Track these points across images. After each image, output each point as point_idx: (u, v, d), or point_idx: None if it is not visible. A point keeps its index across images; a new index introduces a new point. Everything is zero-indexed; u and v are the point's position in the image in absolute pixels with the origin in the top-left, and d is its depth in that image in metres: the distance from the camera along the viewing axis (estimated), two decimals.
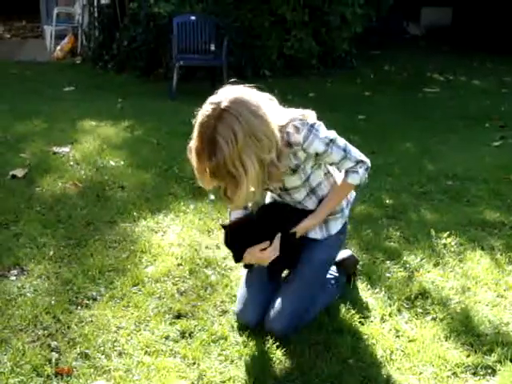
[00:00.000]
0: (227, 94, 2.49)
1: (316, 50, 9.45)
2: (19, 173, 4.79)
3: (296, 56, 9.30)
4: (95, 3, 10.17)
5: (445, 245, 3.77)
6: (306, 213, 2.88)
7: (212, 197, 4.38)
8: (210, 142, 2.41)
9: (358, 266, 3.35)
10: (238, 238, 2.78)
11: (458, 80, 9.84)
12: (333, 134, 2.72)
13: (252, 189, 2.55)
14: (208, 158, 2.44)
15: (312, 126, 2.63)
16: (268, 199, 3.08)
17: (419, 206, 4.42)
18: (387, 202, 4.47)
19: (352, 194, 3.07)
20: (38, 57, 10.75)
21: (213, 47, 8.41)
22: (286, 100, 2.86)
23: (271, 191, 2.95)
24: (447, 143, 6.18)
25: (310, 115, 2.68)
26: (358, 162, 2.78)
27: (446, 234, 3.87)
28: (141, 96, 8.02)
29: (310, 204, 2.89)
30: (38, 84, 8.70)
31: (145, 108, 7.35)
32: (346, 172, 2.81)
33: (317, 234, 2.94)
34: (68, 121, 6.55)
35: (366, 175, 2.85)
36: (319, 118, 2.72)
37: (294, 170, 2.73)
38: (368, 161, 2.83)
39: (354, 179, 2.81)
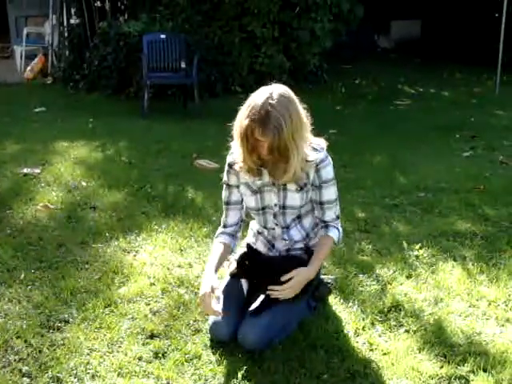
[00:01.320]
0: (277, 86, 2.73)
1: (286, 65, 9.49)
2: None
3: (267, 72, 9.33)
4: (65, 23, 10.14)
5: (417, 256, 3.79)
6: (295, 261, 2.92)
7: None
8: (269, 119, 2.60)
9: (330, 281, 3.35)
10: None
11: (429, 92, 9.96)
12: None
13: (298, 167, 2.74)
14: (269, 133, 2.61)
15: (327, 154, 2.89)
16: (255, 227, 3.16)
17: (391, 218, 4.45)
18: (359, 215, 4.49)
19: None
20: (8, 78, 10.64)
21: (183, 65, 8.40)
22: None
23: (269, 209, 3.00)
24: (418, 155, 6.23)
25: (324, 144, 2.91)
26: (338, 217, 2.97)
27: (418, 246, 3.90)
28: (112, 115, 7.98)
29: (295, 233, 2.99)
30: (8, 105, 8.62)
31: (116, 127, 7.32)
32: (327, 226, 2.95)
33: None
34: (39, 142, 6.51)
35: (341, 239, 3.04)
36: None
37: (301, 188, 2.88)
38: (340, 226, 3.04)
39: (335, 234, 2.95)
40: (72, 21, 10.03)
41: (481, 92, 9.83)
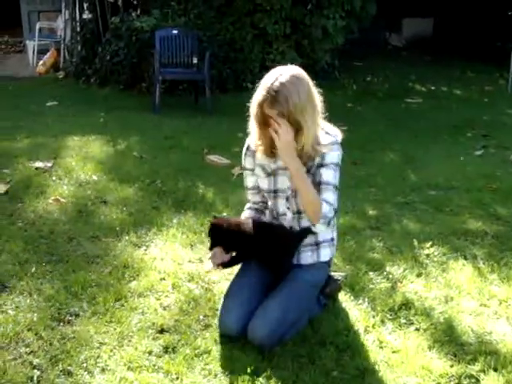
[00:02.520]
0: (290, 67, 2.81)
1: (298, 62, 9.44)
2: (1, 189, 4.76)
3: None
4: (77, 18, 10.16)
5: (428, 255, 3.78)
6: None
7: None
8: (278, 94, 2.68)
9: (341, 278, 3.35)
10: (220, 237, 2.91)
11: (440, 90, 9.91)
12: None
13: (309, 146, 2.79)
14: (277, 105, 2.69)
15: (338, 141, 2.91)
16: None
17: (402, 216, 4.44)
18: (370, 213, 4.49)
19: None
20: (20, 72, 10.70)
21: (195, 60, 8.40)
22: None
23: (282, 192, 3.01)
24: (430, 153, 6.21)
25: (339, 133, 2.95)
26: (334, 208, 2.89)
27: (428, 244, 3.89)
28: (124, 110, 7.99)
29: (306, 223, 2.96)
30: (20, 99, 8.65)
31: (128, 122, 7.33)
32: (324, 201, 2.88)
33: (308, 259, 3.03)
34: (51, 136, 6.53)
35: (324, 227, 2.93)
36: None
37: (308, 171, 2.87)
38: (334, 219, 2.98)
39: (325, 208, 2.85)
40: (84, 16, 10.04)
41: (492, 90, 9.78)
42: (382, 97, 9.27)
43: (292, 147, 2.77)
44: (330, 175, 2.86)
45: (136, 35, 8.86)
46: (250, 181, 3.11)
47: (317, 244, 3.02)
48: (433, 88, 10.01)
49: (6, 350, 2.78)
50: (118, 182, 5.03)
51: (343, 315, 3.09)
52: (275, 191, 3.01)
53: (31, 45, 11.35)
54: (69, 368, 2.65)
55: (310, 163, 2.87)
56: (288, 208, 3.00)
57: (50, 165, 5.43)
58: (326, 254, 3.06)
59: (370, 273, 3.53)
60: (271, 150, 2.89)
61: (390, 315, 3.11)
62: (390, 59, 12.39)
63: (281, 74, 2.72)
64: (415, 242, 3.92)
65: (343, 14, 9.60)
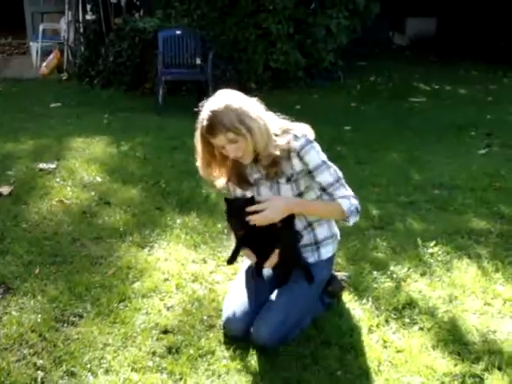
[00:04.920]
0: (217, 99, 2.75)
1: (302, 62, 9.46)
2: (5, 190, 4.77)
3: (282, 68, 9.31)
4: (80, 19, 10.16)
5: (432, 254, 3.78)
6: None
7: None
8: (213, 122, 2.67)
9: (344, 277, 3.35)
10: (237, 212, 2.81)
11: (444, 89, 9.88)
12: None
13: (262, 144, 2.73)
14: (216, 131, 2.68)
15: (310, 140, 2.80)
16: None
17: (406, 215, 4.43)
18: (374, 212, 4.47)
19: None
20: (24, 74, 10.69)
21: (198, 61, 8.41)
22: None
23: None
24: (434, 152, 6.19)
25: (309, 131, 2.85)
26: (351, 196, 2.87)
27: (432, 243, 3.89)
28: (127, 111, 8.00)
29: (298, 223, 2.94)
30: (24, 101, 8.65)
31: (131, 123, 7.34)
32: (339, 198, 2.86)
33: (309, 259, 3.01)
34: (54, 137, 6.53)
35: (357, 217, 2.91)
36: None
37: (289, 179, 2.83)
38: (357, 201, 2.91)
39: (344, 203, 2.83)
40: (87, 17, 10.02)
41: (496, 89, 9.75)
42: (386, 96, 9.24)
43: (276, 212, 2.76)
44: (325, 175, 2.82)
45: (139, 36, 8.88)
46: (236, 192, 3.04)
47: (316, 243, 3.01)
48: (437, 87, 9.98)
49: (10, 351, 2.78)
50: (122, 183, 5.03)
51: (347, 315, 3.09)
52: None
53: (34, 46, 11.32)
54: (73, 369, 2.66)
55: (289, 172, 2.82)
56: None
57: (53, 166, 5.44)
58: (327, 251, 3.05)
59: (374, 272, 3.53)
60: (243, 178, 2.92)
61: (394, 314, 3.11)
62: (393, 59, 12.35)
63: (207, 107, 2.72)
64: (419, 241, 3.92)
65: (347, 14, 9.58)
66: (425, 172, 5.50)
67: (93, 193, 4.81)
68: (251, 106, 2.74)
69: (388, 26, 13.77)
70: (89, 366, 2.68)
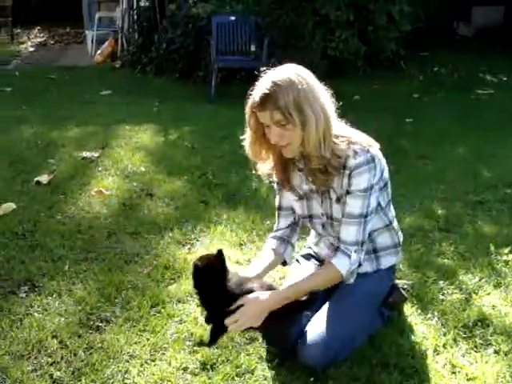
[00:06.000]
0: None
1: (362, 50, 9.04)
2: (44, 179, 4.55)
3: (341, 57, 8.90)
4: (135, 6, 9.99)
5: (506, 262, 3.35)
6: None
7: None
8: (271, 92, 2.31)
9: (406, 287, 2.95)
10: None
11: None
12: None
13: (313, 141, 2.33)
14: (275, 102, 2.30)
15: (373, 158, 2.39)
16: (312, 235, 2.82)
17: (475, 217, 4.01)
18: (439, 212, 4.06)
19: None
20: (79, 62, 10.67)
21: (253, 48, 8.10)
22: None
23: (317, 218, 2.61)
24: (504, 147, 5.71)
25: (374, 145, 2.43)
26: (359, 242, 2.45)
27: (507, 250, 3.46)
28: (179, 99, 7.74)
29: None
30: (75, 89, 8.52)
31: (182, 111, 7.07)
32: (337, 250, 2.47)
33: (366, 267, 2.61)
34: (102, 125, 6.33)
35: (355, 273, 2.49)
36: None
37: (338, 199, 2.46)
38: (362, 254, 2.48)
39: (343, 264, 2.44)
40: (142, 4, 9.86)
41: None
42: (451, 88, 8.74)
43: (253, 321, 2.37)
44: (355, 205, 2.41)
45: (193, 22, 8.60)
46: (285, 199, 2.68)
47: (375, 251, 2.63)
48: (505, 79, 9.42)
49: (27, 359, 2.52)
50: (167, 174, 4.75)
51: (408, 332, 2.70)
52: (310, 216, 2.62)
53: (90, 35, 11.38)
54: None
55: (339, 191, 2.44)
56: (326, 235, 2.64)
57: (97, 155, 5.20)
58: (388, 261, 2.67)
59: (440, 282, 3.12)
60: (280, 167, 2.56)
61: (464, 333, 2.70)
62: (458, 49, 11.79)
63: (274, 74, 2.35)
64: (491, 247, 3.50)
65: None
66: (495, 168, 5.04)
67: (135, 183, 4.54)
68: (318, 95, 2.35)
69: (452, 16, 13.20)
70: (111, 380, 2.38)
